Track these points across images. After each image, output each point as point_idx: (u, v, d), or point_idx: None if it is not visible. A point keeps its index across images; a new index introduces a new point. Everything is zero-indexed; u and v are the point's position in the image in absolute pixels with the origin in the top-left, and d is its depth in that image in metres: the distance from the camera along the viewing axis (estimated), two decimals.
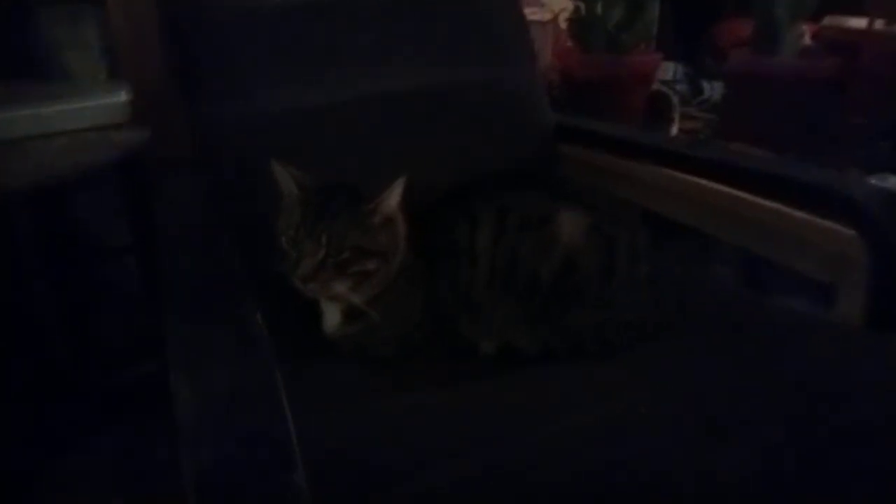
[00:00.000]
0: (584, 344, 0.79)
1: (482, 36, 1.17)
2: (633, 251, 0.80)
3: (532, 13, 1.87)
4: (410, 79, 1.10)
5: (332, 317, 0.81)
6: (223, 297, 0.60)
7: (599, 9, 1.50)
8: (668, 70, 1.98)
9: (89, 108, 0.90)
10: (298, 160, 0.79)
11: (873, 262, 0.79)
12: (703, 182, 1.08)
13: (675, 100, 1.66)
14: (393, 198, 0.75)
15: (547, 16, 1.88)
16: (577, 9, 1.54)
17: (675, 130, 1.62)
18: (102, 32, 1.37)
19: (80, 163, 0.79)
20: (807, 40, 1.74)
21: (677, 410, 0.66)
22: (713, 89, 2.01)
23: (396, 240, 0.78)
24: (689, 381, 0.73)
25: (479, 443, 0.63)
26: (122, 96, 0.92)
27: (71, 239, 1.28)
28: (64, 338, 1.33)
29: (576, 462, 0.60)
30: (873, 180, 1.15)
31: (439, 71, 1.12)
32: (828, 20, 1.76)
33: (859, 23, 1.67)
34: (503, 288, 0.78)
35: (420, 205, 0.81)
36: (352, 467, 0.57)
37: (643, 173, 1.13)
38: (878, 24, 1.67)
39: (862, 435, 0.64)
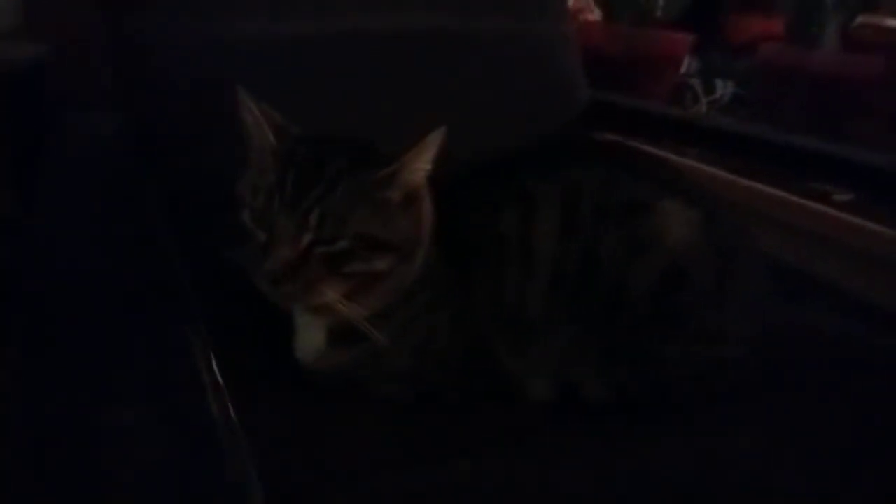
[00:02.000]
0: (679, 390, 0.55)
1: None
2: (755, 264, 0.57)
3: None
4: (420, 18, 0.86)
5: (311, 337, 0.55)
6: (144, 304, 0.32)
7: None
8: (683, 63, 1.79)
9: None
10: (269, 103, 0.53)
11: None
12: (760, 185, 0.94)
13: (700, 90, 1.47)
14: (422, 161, 0.49)
15: None
16: None
17: None
18: None
19: None
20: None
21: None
22: (725, 88, 1.83)
23: (420, 228, 0.52)
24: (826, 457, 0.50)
25: None
26: None
27: None
28: None
29: None
30: None
31: (457, 14, 0.90)
32: (862, 19, 1.61)
33: None
34: (570, 305, 0.54)
35: (443, 179, 0.54)
36: None
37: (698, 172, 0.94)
38: None
39: None
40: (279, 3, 0.74)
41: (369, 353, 0.53)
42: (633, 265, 0.53)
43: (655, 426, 0.53)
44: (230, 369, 0.54)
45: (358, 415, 0.52)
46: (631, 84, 1.35)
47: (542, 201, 0.55)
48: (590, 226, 0.54)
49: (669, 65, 1.35)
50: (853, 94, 1.38)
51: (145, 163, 0.57)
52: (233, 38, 0.71)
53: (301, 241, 0.46)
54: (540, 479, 0.48)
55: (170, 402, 0.28)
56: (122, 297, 0.36)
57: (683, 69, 1.79)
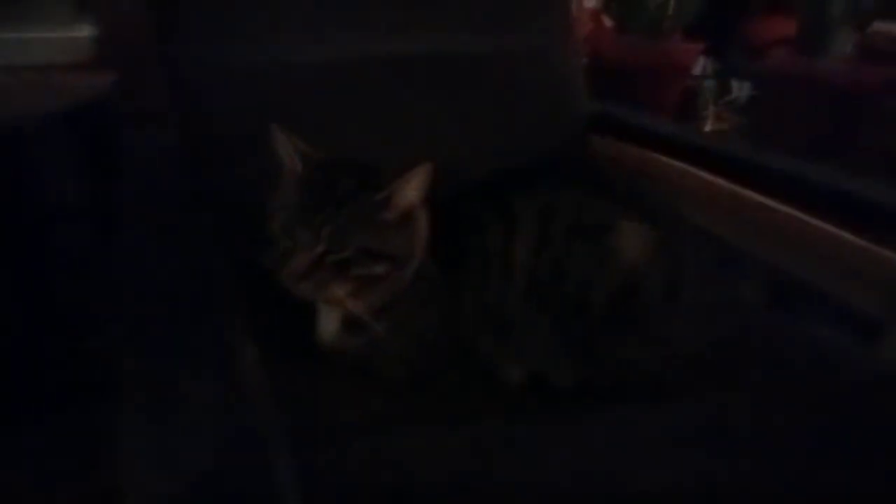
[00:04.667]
0: (632, 382, 0.65)
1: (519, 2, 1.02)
2: (702, 275, 0.66)
3: None
4: (430, 42, 0.96)
5: (328, 324, 0.66)
6: (200, 308, 0.44)
7: None
8: (698, 64, 1.84)
9: (44, 41, 0.72)
10: (292, 123, 0.64)
11: None
12: (749, 193, 0.98)
13: (710, 96, 1.52)
14: (412, 188, 0.60)
15: None
16: None
17: (708, 128, 1.49)
18: None
19: (29, 108, 0.62)
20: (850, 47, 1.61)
21: (740, 489, 0.54)
22: (742, 89, 1.88)
23: (414, 242, 0.63)
24: (761, 450, 0.60)
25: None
26: (85, 30, 0.74)
27: (20, 197, 1.10)
28: (17, 306, 1.16)
29: None
30: None
31: (463, 36, 0.98)
32: (876, 26, 1.63)
33: None
34: (542, 307, 0.64)
35: (438, 195, 0.65)
36: None
37: (680, 175, 1.01)
38: None
39: None
40: (304, 32, 0.85)
41: (373, 340, 0.64)
42: (595, 277, 0.63)
43: (609, 414, 0.63)
44: (263, 344, 0.67)
45: (361, 386, 0.64)
46: (642, 89, 1.43)
47: (522, 219, 0.65)
48: (561, 242, 0.64)
49: (678, 72, 1.42)
50: (861, 102, 1.42)
51: (192, 173, 0.69)
52: (265, 63, 0.83)
53: (315, 251, 0.57)
54: (501, 447, 0.59)
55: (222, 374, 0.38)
56: (186, 298, 0.47)
57: (699, 71, 1.85)
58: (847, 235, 0.95)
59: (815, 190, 0.90)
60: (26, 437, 1.12)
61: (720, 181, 1.08)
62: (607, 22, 1.43)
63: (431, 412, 0.62)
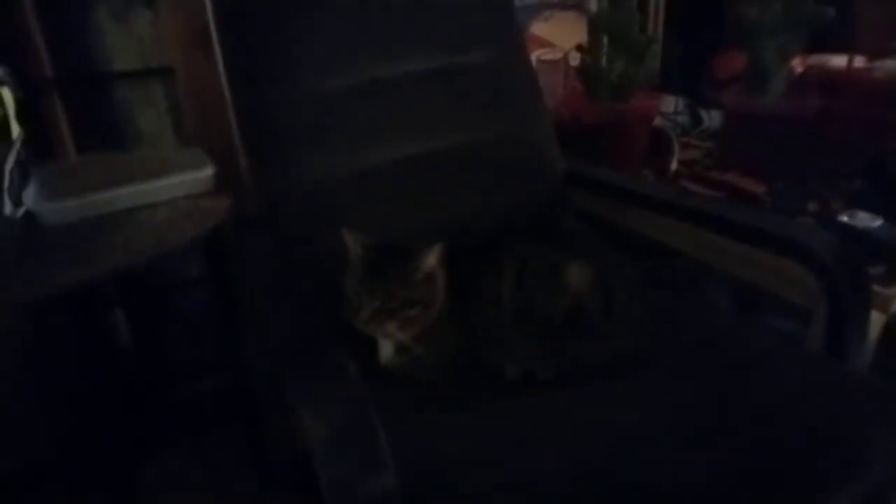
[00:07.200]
0: (590, 370, 0.97)
1: (505, 103, 1.36)
2: (628, 295, 0.99)
3: (544, 53, 2.06)
4: (445, 139, 1.29)
5: (386, 350, 1.00)
6: (320, 344, 0.79)
7: (604, 61, 1.68)
8: (670, 104, 2.14)
9: (182, 182, 1.11)
10: (353, 213, 1.00)
11: (827, 301, 0.97)
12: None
13: (674, 136, 1.83)
14: (431, 259, 0.94)
15: (558, 55, 2.07)
16: (583, 59, 1.73)
17: (674, 164, 1.79)
18: (168, 92, 1.60)
19: (183, 232, 0.99)
20: (799, 69, 1.88)
21: (660, 426, 0.84)
22: (712, 118, 2.16)
23: (436, 290, 0.96)
24: (672, 402, 0.91)
25: (508, 453, 0.80)
26: (209, 170, 1.13)
27: (146, 273, 1.51)
28: (140, 359, 1.55)
29: (584, 467, 0.78)
30: (844, 217, 1.32)
31: (469, 132, 1.31)
32: (813, 59, 1.90)
33: (840, 61, 1.81)
34: (523, 325, 0.93)
35: (455, 252, 0.98)
36: (413, 474, 0.76)
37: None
38: (861, 61, 1.81)
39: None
40: (354, 151, 1.22)
41: (415, 357, 0.97)
42: (554, 301, 0.96)
43: (578, 391, 0.95)
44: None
45: (411, 388, 0.96)
46: (616, 141, 1.75)
47: (506, 267, 0.98)
48: (532, 280, 0.97)
49: (642, 124, 1.74)
50: (797, 131, 1.71)
51: (283, 255, 1.05)
52: (328, 178, 1.19)
53: (374, 304, 0.91)
54: (507, 421, 0.89)
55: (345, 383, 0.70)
56: (311, 340, 0.81)
57: (671, 109, 2.16)
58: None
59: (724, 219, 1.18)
60: (151, 463, 1.50)
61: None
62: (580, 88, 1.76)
63: (457, 400, 0.91)
